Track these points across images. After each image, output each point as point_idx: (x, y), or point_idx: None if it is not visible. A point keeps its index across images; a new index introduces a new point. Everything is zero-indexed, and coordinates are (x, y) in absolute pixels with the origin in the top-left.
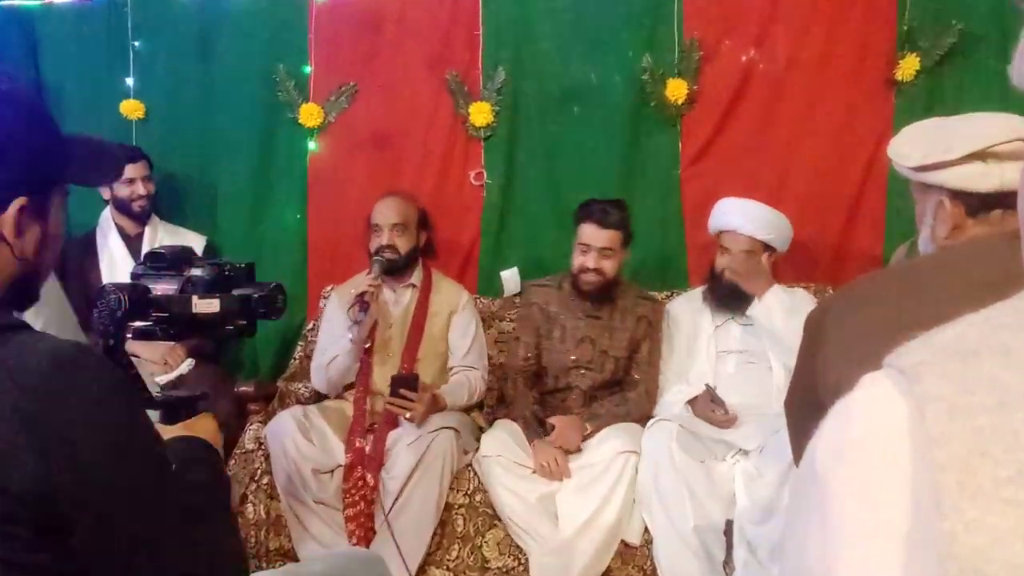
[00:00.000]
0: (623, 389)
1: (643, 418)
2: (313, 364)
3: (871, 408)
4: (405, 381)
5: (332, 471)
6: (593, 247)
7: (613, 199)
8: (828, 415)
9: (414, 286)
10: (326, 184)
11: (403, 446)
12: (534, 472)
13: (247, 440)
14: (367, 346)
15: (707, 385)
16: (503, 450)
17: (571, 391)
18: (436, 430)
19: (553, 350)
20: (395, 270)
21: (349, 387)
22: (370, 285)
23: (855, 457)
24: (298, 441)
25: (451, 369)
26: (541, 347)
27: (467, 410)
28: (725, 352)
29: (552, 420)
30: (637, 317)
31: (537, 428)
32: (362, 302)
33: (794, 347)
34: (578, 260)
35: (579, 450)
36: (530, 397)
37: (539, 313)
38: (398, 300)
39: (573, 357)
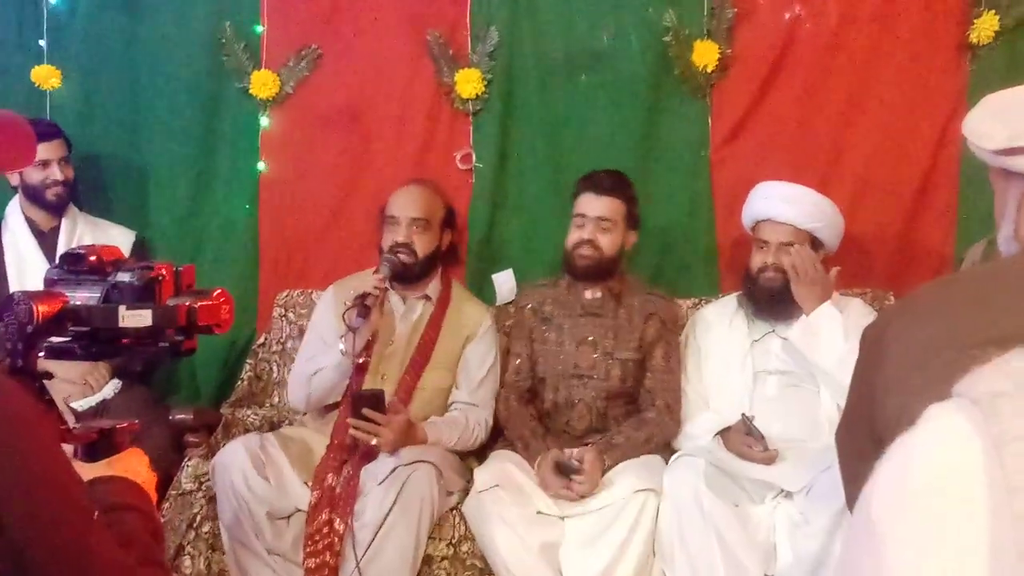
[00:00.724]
0: (637, 406)
1: (668, 443)
2: (293, 372)
3: (938, 448)
4: (368, 399)
5: (289, 517)
6: (589, 217)
7: (615, 169)
8: (887, 453)
9: (428, 298)
10: (282, 168)
11: (374, 484)
12: (540, 512)
13: (185, 479)
14: (360, 361)
15: (743, 415)
16: (501, 479)
17: (574, 407)
18: (411, 463)
19: (549, 356)
20: (409, 276)
21: (329, 408)
22: (375, 287)
23: (918, 508)
24: (251, 478)
25: (451, 404)
26: (536, 355)
27: (458, 455)
28: (764, 372)
29: (575, 453)
30: (646, 315)
31: (540, 445)
32: (362, 306)
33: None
34: (573, 235)
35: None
36: (527, 414)
37: (532, 316)
38: (407, 313)
39: (573, 363)
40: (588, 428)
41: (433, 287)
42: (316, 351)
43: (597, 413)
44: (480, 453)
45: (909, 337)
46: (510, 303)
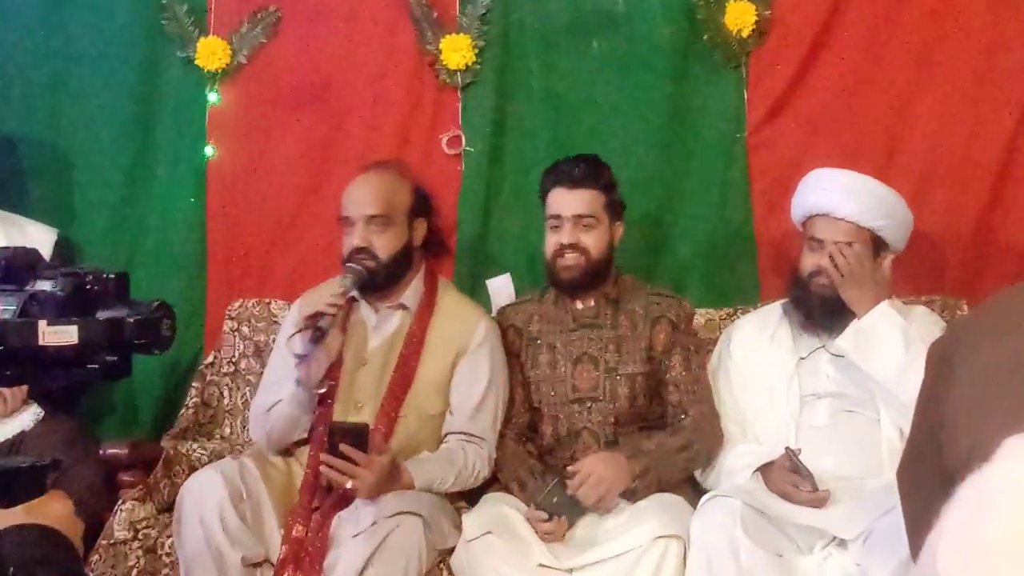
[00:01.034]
0: (657, 425)
1: (710, 458)
2: (252, 404)
3: (1018, 490)
4: (349, 434)
5: (260, 564)
6: (564, 217)
7: (584, 155)
8: (956, 495)
9: (404, 307)
10: (234, 154)
11: (349, 539)
12: (541, 565)
13: (118, 526)
14: (322, 391)
15: (787, 449)
16: (495, 525)
17: (578, 437)
18: (395, 515)
19: (543, 381)
20: (374, 285)
21: (300, 443)
22: (330, 304)
23: (994, 565)
24: (227, 514)
25: (445, 436)
26: (528, 383)
27: (451, 497)
28: (813, 396)
29: (579, 465)
30: (653, 320)
31: (538, 485)
32: (315, 328)
33: (907, 384)
34: (550, 241)
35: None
36: (524, 452)
37: (518, 338)
38: (380, 325)
39: (572, 386)
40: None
41: (411, 293)
42: (278, 378)
43: (606, 442)
44: (472, 496)
45: (984, 354)
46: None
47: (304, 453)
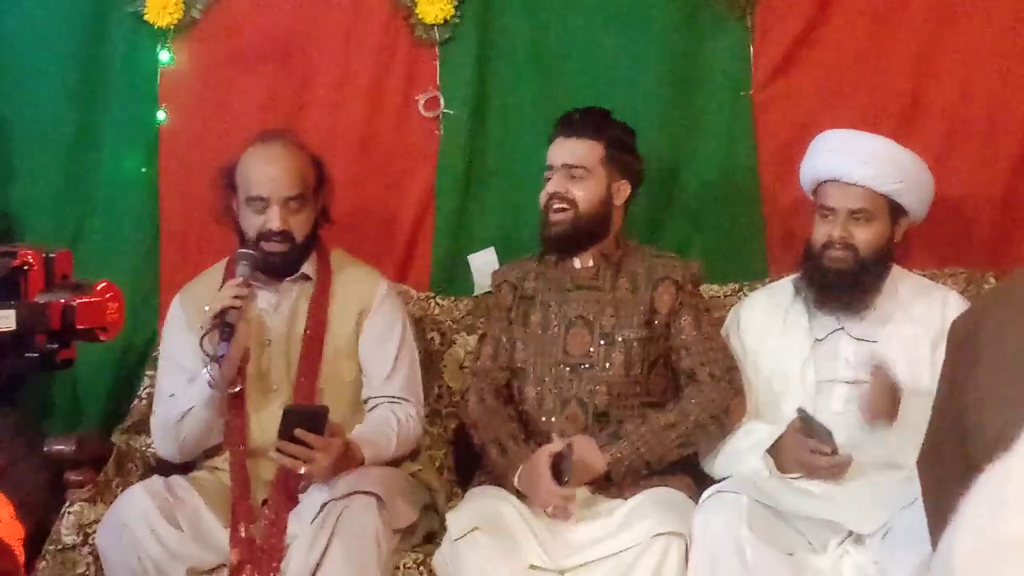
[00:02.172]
0: (657, 401)
1: (713, 424)
2: (154, 419)
3: None
4: (305, 417)
5: (213, 571)
6: (555, 167)
7: (595, 107)
8: (975, 488)
9: (306, 278)
10: (189, 118)
11: (301, 529)
12: (534, 567)
13: (65, 530)
14: (236, 389)
15: (800, 410)
16: (482, 521)
17: (565, 406)
18: (345, 496)
19: (531, 341)
20: (284, 266)
21: (214, 450)
22: (234, 296)
23: (1009, 561)
24: (161, 530)
25: (366, 402)
26: (516, 342)
27: (398, 462)
28: (829, 381)
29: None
30: (655, 281)
31: (521, 449)
32: (224, 324)
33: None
34: (543, 193)
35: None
36: (505, 413)
37: (511, 293)
38: (280, 303)
39: (563, 349)
40: (584, 434)
41: (309, 263)
42: (177, 386)
43: (595, 414)
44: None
45: (1010, 334)
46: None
47: (222, 459)
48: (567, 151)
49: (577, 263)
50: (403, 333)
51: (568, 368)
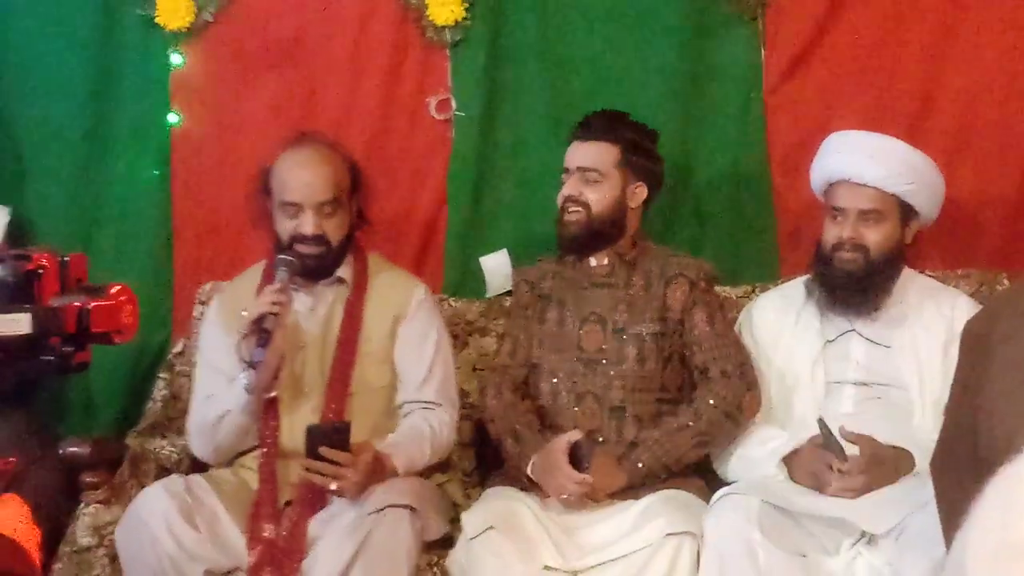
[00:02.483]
0: (675, 400)
1: (727, 420)
2: (191, 420)
3: None
4: (328, 434)
5: (231, 573)
6: (570, 170)
7: (613, 110)
8: (987, 490)
9: (341, 281)
10: (201, 121)
11: (330, 535)
12: (548, 568)
13: (81, 532)
14: (272, 395)
15: (821, 421)
16: (497, 520)
17: (582, 403)
18: (380, 510)
19: (547, 338)
20: (320, 270)
21: (245, 451)
22: (272, 303)
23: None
24: (179, 530)
25: (400, 407)
26: (533, 340)
27: (428, 473)
28: (839, 383)
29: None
30: (668, 278)
31: (537, 438)
32: (261, 331)
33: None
34: (560, 195)
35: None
36: (523, 407)
37: (529, 294)
38: (315, 307)
39: (578, 345)
40: (599, 431)
41: (345, 266)
42: (214, 387)
43: (611, 410)
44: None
45: (1021, 340)
46: (507, 293)
47: (251, 458)
48: (581, 154)
49: (593, 262)
50: (439, 339)
51: (582, 363)
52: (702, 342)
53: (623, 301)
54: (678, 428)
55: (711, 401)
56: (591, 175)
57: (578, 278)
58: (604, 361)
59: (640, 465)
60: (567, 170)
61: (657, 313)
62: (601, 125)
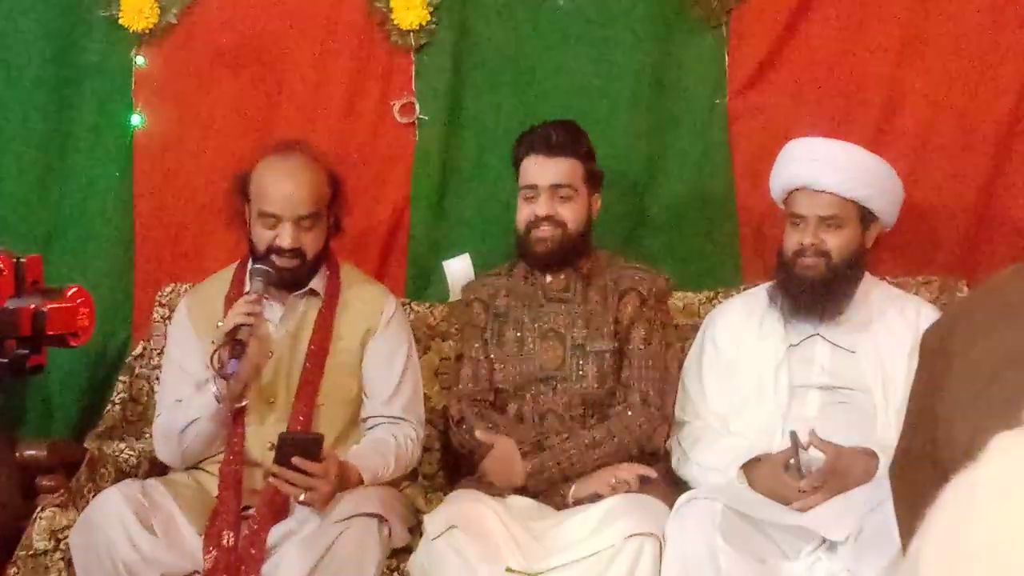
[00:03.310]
0: None
1: (636, 448)
2: (158, 424)
3: (1004, 493)
4: (301, 445)
5: None
6: (541, 187)
7: (562, 120)
8: (942, 497)
9: (314, 293)
10: (164, 123)
11: (292, 544)
12: (511, 570)
13: (37, 535)
14: (242, 404)
15: (792, 434)
16: (460, 519)
17: (544, 420)
18: (347, 519)
19: (509, 360)
20: (294, 281)
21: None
22: (247, 314)
23: (975, 573)
24: (134, 533)
25: (365, 420)
26: (493, 361)
27: (396, 482)
28: (804, 387)
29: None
30: (621, 292)
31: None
32: (235, 341)
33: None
34: (523, 212)
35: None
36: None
37: (484, 313)
38: (285, 317)
39: (539, 364)
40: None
41: (318, 278)
42: (181, 391)
43: (574, 425)
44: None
45: (980, 343)
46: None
47: (212, 462)
48: (554, 171)
49: (548, 277)
50: (408, 353)
51: (543, 382)
52: (632, 359)
53: (580, 316)
54: (588, 445)
55: (626, 426)
56: (564, 192)
57: (532, 293)
58: (564, 379)
59: (540, 469)
60: (534, 187)
61: (611, 327)
62: (565, 140)
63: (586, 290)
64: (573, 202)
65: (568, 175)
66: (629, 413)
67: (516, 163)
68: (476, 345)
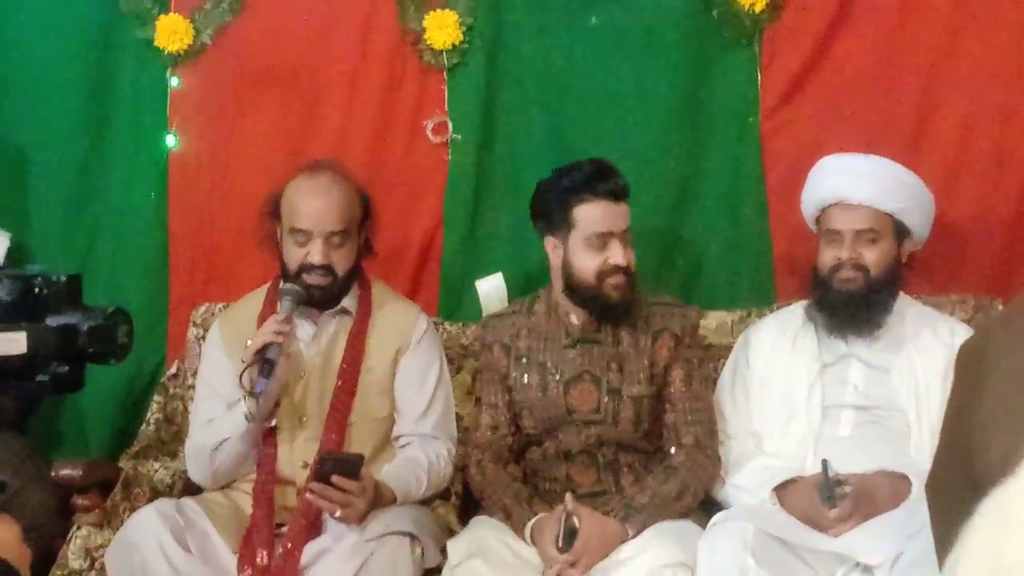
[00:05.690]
0: (658, 449)
1: (707, 491)
2: (190, 444)
3: None
4: (342, 464)
5: None
6: (616, 234)
7: (594, 159)
8: (978, 513)
9: (346, 312)
10: (198, 143)
11: (327, 562)
12: None
13: (72, 554)
14: (272, 424)
15: (824, 462)
16: (482, 549)
17: (574, 461)
18: (380, 537)
19: (535, 406)
20: (325, 300)
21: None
22: (276, 332)
23: None
24: (170, 552)
25: (397, 439)
26: (515, 407)
27: (428, 501)
28: (837, 407)
29: (572, 509)
30: (655, 333)
31: (525, 511)
32: (264, 360)
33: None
34: (594, 261)
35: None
36: (507, 477)
37: (503, 356)
38: (318, 335)
39: (566, 409)
40: (596, 484)
41: (350, 296)
42: (214, 411)
43: (605, 465)
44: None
45: (1017, 357)
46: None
47: (244, 481)
48: (621, 217)
49: (574, 317)
50: (440, 372)
51: (575, 425)
52: (675, 401)
53: (614, 359)
54: (673, 498)
55: (696, 476)
56: (628, 236)
57: (555, 334)
58: (601, 422)
59: (631, 533)
60: (608, 234)
61: (648, 371)
62: (621, 184)
63: (616, 330)
64: (631, 246)
65: (628, 220)
66: (696, 463)
67: (565, 203)
68: (495, 389)
